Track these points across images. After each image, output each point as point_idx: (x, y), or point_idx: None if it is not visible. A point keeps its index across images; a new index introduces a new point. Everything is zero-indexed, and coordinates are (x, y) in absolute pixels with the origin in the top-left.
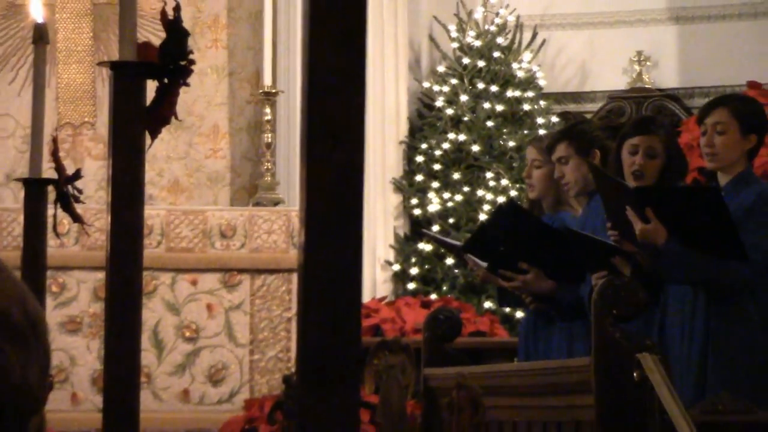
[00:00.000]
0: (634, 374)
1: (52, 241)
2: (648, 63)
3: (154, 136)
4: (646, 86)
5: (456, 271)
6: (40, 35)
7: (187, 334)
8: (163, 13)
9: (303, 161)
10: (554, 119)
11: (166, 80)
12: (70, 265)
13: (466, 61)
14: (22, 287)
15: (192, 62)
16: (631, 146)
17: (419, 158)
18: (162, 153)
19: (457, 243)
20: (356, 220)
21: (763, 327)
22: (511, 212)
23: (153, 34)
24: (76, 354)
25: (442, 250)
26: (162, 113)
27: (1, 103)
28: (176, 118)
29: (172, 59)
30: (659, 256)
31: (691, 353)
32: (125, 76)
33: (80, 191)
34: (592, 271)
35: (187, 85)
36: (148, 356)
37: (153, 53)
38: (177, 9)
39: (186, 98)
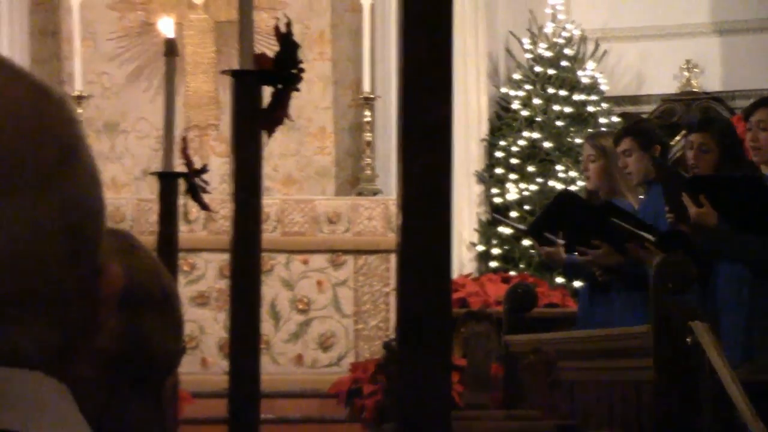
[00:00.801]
0: (687, 339)
1: (183, 227)
2: (695, 69)
3: (270, 135)
4: (694, 90)
5: (531, 251)
6: (171, 49)
7: (300, 306)
8: (277, 28)
9: (400, 157)
10: (615, 119)
11: (280, 86)
12: (199, 248)
13: (538, 69)
14: (157, 264)
15: (302, 70)
16: (689, 143)
17: (499, 154)
18: (277, 151)
19: (522, 227)
20: (445, 208)
21: None
22: (566, 199)
23: (267, 47)
24: (205, 324)
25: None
26: (277, 115)
27: (137, 108)
28: (289, 119)
29: (285, 68)
30: (710, 236)
31: (739, 321)
32: (244, 83)
33: (207, 183)
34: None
35: (297, 90)
36: (266, 326)
37: (268, 63)
38: (288, 24)
39: (296, 103)
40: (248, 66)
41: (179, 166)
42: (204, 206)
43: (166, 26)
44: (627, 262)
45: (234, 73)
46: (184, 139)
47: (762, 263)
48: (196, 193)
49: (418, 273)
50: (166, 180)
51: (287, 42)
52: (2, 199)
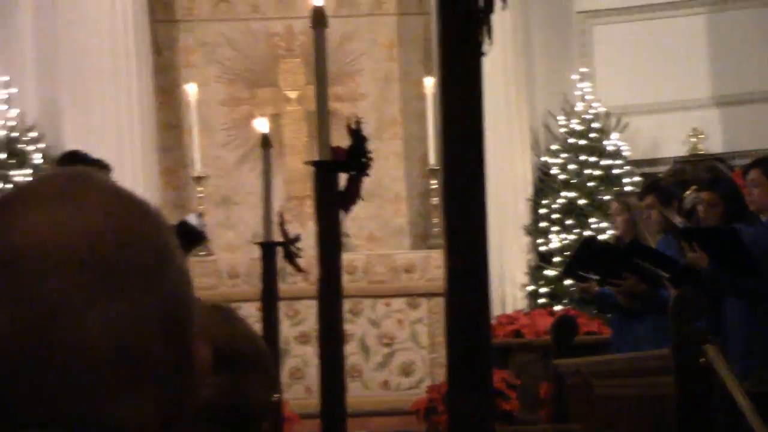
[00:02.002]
0: (701, 360)
1: (289, 280)
2: (701, 135)
3: (347, 212)
4: (700, 152)
5: (572, 289)
6: (266, 142)
7: (385, 341)
8: (349, 125)
9: (443, 220)
10: (636, 179)
11: (353, 173)
12: (300, 296)
13: (571, 140)
14: (252, 331)
15: (370, 159)
16: (700, 199)
17: (542, 210)
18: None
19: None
20: (483, 265)
21: None
22: (590, 244)
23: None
24: (308, 358)
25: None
26: (351, 196)
27: (246, 184)
28: (361, 199)
29: (356, 158)
30: (702, 276)
31: (739, 342)
32: (323, 171)
33: (300, 249)
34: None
35: (368, 175)
36: (358, 358)
37: (343, 154)
38: (358, 122)
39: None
40: (326, 157)
41: (278, 236)
42: (298, 268)
43: (261, 124)
44: (648, 290)
45: (315, 164)
46: (281, 215)
47: (748, 295)
48: (291, 258)
49: (463, 313)
50: (267, 248)
51: (358, 136)
52: (111, 299)
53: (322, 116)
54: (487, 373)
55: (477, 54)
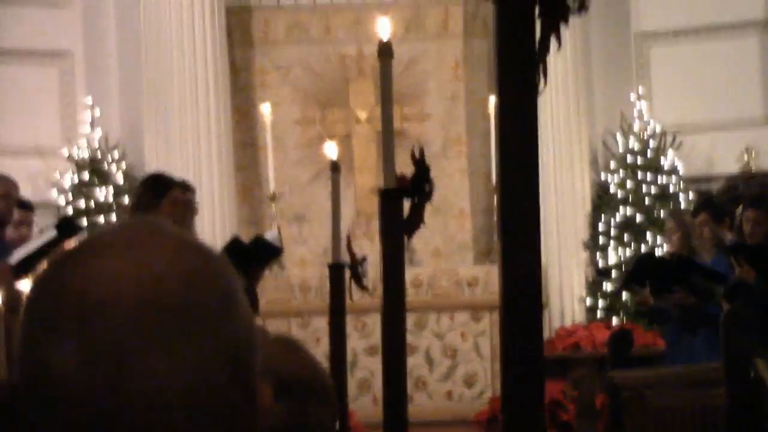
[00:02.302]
0: (751, 373)
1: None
2: (753, 153)
3: (409, 238)
4: (752, 170)
5: (628, 303)
6: (335, 167)
7: (449, 353)
8: (413, 154)
9: (500, 239)
10: (691, 196)
11: (415, 199)
12: (369, 310)
13: (629, 158)
14: (316, 362)
15: (433, 187)
16: (746, 217)
17: (601, 226)
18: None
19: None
20: (536, 281)
21: None
22: (647, 259)
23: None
24: (375, 370)
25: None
26: (415, 221)
27: (319, 202)
28: (424, 223)
29: (419, 185)
30: (752, 291)
31: None
32: (389, 198)
33: (365, 270)
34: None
35: (430, 202)
36: (423, 369)
37: (406, 182)
38: (422, 151)
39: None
40: (391, 185)
41: (345, 257)
42: (364, 288)
43: (330, 149)
44: (696, 304)
45: (381, 192)
46: (348, 237)
47: None
48: (358, 279)
49: (517, 327)
50: (334, 269)
51: (421, 165)
52: (178, 343)
53: (387, 146)
54: (540, 385)
55: (532, 94)
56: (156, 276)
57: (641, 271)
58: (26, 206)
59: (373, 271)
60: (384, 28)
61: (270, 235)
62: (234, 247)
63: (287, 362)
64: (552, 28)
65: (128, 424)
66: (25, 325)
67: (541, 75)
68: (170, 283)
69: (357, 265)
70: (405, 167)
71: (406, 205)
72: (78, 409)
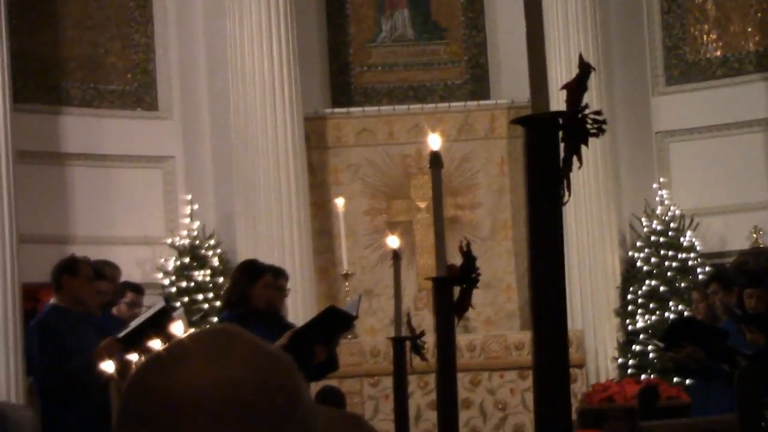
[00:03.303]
0: (762, 424)
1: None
2: (761, 231)
3: (460, 318)
4: (761, 246)
5: (655, 360)
6: (396, 256)
7: (500, 406)
8: (461, 247)
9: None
10: (708, 269)
11: (464, 286)
12: (430, 371)
13: (653, 238)
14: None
15: (479, 275)
16: (747, 293)
17: (629, 296)
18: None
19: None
20: (564, 348)
21: None
22: (681, 322)
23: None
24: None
25: (647, 349)
26: (464, 305)
27: (386, 279)
28: (472, 307)
29: (467, 274)
30: (762, 354)
31: None
32: (441, 285)
33: (425, 342)
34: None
35: (477, 287)
36: (477, 421)
37: (456, 271)
38: (468, 244)
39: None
40: (443, 274)
41: (406, 331)
42: (423, 358)
43: (392, 241)
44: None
45: (434, 279)
46: (408, 315)
47: None
48: (418, 350)
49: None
50: (397, 342)
51: (468, 256)
52: None
53: (438, 241)
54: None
55: (558, 205)
56: (231, 380)
57: (679, 331)
58: (138, 289)
59: (431, 340)
60: (434, 141)
61: (350, 302)
62: (327, 315)
63: None
64: (573, 150)
65: None
66: (120, 419)
67: (565, 189)
68: (244, 386)
69: (416, 338)
70: (457, 253)
71: (457, 290)
72: None
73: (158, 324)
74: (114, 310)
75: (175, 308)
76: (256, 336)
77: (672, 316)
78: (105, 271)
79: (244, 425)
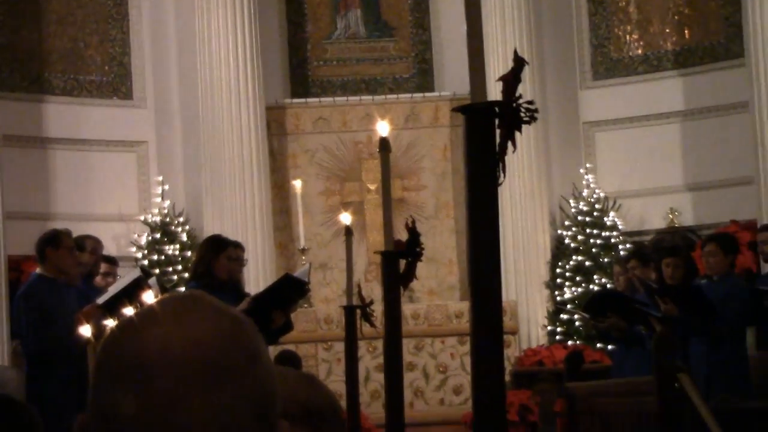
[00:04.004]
0: (676, 385)
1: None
2: (676, 213)
3: (405, 288)
4: (676, 225)
5: (580, 328)
6: (348, 231)
7: (441, 369)
8: (406, 224)
9: (470, 283)
10: (629, 246)
11: (409, 259)
12: (378, 337)
13: (579, 217)
14: (329, 391)
15: (422, 249)
16: (666, 263)
17: (558, 270)
18: (423, 275)
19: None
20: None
21: (741, 357)
22: (602, 294)
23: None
24: (383, 382)
25: (573, 318)
26: (409, 276)
27: (338, 254)
28: (416, 278)
29: (412, 248)
30: (675, 322)
31: (702, 370)
32: (388, 258)
33: (373, 310)
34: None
35: (421, 260)
36: (421, 382)
37: (402, 245)
38: (413, 221)
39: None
40: (390, 248)
41: (356, 300)
42: (372, 325)
43: (345, 218)
44: (627, 326)
45: (383, 253)
46: (359, 285)
47: (706, 333)
48: (367, 317)
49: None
50: (348, 310)
51: (413, 233)
52: (214, 392)
53: (387, 218)
54: (501, 393)
55: (494, 185)
56: (196, 340)
57: (599, 301)
58: (112, 261)
59: (380, 309)
60: (383, 128)
61: (301, 270)
62: (281, 284)
63: (307, 393)
64: (508, 136)
65: None
66: (96, 378)
67: (501, 171)
68: (208, 344)
69: (366, 306)
70: (403, 229)
71: (403, 263)
72: None
73: (132, 293)
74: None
75: (150, 275)
76: (220, 301)
77: (596, 288)
78: (86, 243)
79: (208, 381)
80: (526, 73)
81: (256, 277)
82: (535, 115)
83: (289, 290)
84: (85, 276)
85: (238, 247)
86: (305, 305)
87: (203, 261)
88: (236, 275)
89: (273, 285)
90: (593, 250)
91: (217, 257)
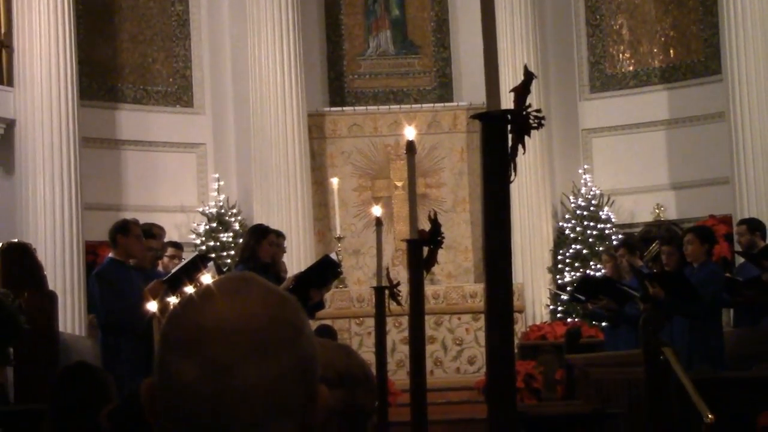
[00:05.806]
0: (661, 357)
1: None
2: (662, 208)
3: (428, 271)
4: (662, 219)
5: (578, 307)
6: (379, 222)
7: (458, 342)
8: (429, 216)
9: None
10: (620, 236)
11: (432, 246)
12: (404, 314)
13: (578, 212)
14: (362, 361)
15: (443, 238)
16: (663, 250)
17: (559, 257)
18: (443, 261)
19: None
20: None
21: (717, 333)
22: (586, 278)
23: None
24: (407, 353)
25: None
26: (431, 262)
27: (370, 241)
28: (437, 263)
29: (434, 237)
30: (661, 304)
31: (684, 345)
32: (413, 246)
33: (400, 290)
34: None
35: (442, 248)
36: (440, 353)
37: (425, 234)
38: (435, 214)
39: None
40: (414, 236)
41: (385, 282)
42: (399, 304)
43: (376, 210)
44: (617, 307)
45: (408, 242)
46: (387, 268)
47: (688, 314)
48: (394, 297)
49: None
50: (378, 290)
51: (435, 223)
52: (264, 360)
53: (412, 211)
54: (510, 363)
55: (506, 183)
56: (249, 314)
57: (583, 285)
58: (178, 246)
59: (405, 289)
60: (410, 133)
61: (333, 255)
62: (320, 264)
63: (343, 362)
64: (519, 139)
65: (231, 412)
66: (160, 348)
67: (512, 170)
68: (259, 319)
69: (393, 287)
70: (426, 221)
71: (426, 249)
72: (198, 405)
73: (192, 274)
74: (159, 263)
75: (209, 259)
76: (267, 281)
77: (591, 272)
78: (154, 230)
79: (259, 350)
80: (533, 85)
81: (299, 261)
82: (542, 122)
83: (326, 270)
84: (153, 260)
85: (280, 235)
86: (341, 286)
87: (248, 246)
88: (278, 259)
89: (314, 264)
90: (590, 240)
91: (260, 243)
